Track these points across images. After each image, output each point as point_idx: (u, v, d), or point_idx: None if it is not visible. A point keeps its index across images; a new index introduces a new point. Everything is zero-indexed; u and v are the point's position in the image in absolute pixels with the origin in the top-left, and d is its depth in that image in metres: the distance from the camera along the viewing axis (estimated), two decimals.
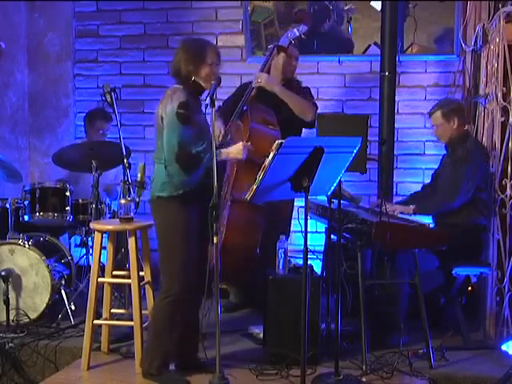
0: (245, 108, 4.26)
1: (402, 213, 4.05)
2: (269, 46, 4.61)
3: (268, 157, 2.93)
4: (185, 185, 3.24)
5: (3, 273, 4.11)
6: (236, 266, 3.95)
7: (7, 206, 4.38)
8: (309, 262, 3.11)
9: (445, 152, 4.29)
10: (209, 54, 3.29)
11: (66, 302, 4.24)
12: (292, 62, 4.47)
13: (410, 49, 5.15)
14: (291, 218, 4.47)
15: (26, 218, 4.42)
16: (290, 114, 4.30)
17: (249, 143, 3.41)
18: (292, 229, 4.48)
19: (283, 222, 4.42)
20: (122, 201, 3.66)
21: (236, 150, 3.35)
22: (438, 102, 4.24)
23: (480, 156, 4.04)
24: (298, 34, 4.35)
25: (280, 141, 2.89)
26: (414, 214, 4.08)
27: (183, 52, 3.29)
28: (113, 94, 3.93)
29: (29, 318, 4.15)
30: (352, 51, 5.22)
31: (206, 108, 3.21)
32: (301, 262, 3.23)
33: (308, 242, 3.03)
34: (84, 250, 4.54)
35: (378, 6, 4.92)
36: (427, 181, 4.56)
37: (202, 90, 3.34)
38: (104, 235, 3.67)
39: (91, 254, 4.32)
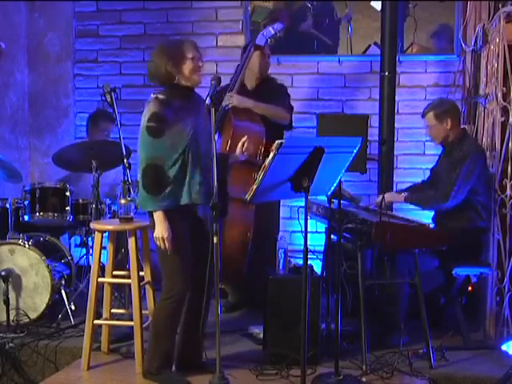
0: (226, 108, 4.26)
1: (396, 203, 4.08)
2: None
3: (268, 156, 2.93)
4: (144, 204, 3.21)
5: (3, 273, 4.11)
6: (228, 263, 3.94)
7: (7, 206, 4.38)
8: (309, 262, 3.11)
9: (441, 150, 4.30)
10: (187, 49, 3.22)
11: (66, 302, 4.24)
12: (267, 59, 4.46)
13: (410, 49, 5.16)
14: (279, 216, 4.53)
15: (26, 218, 4.41)
16: None
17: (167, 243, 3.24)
18: (292, 229, 4.49)
19: (272, 220, 4.45)
20: (122, 201, 3.66)
21: (158, 232, 3.22)
22: (431, 103, 4.21)
23: (476, 158, 4.01)
24: (273, 32, 4.34)
25: (280, 141, 2.89)
26: (405, 201, 4.12)
27: (160, 54, 3.23)
28: (113, 94, 3.93)
29: (29, 318, 4.14)
30: (329, 52, 5.23)
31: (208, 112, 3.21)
32: (301, 262, 3.23)
33: (308, 242, 3.04)
34: (84, 250, 4.55)
35: (378, 5, 4.93)
36: None
37: (190, 90, 3.30)
38: (104, 235, 3.67)
39: (91, 254, 4.32)
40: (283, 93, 4.50)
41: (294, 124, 5.11)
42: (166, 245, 3.20)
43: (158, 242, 3.22)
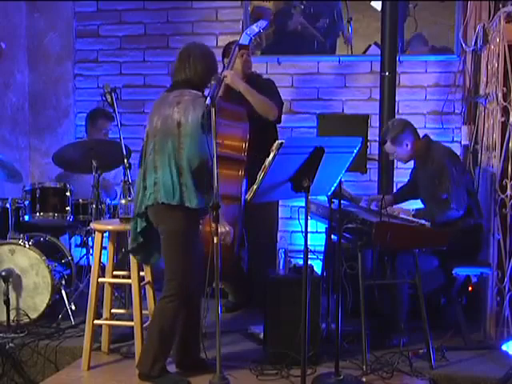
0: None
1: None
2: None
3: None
4: (198, 201, 3.18)
5: (3, 273, 4.11)
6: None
7: (7, 205, 4.38)
8: (309, 262, 3.11)
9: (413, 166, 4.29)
10: (217, 63, 3.39)
11: (67, 302, 4.24)
12: (247, 57, 4.41)
13: None
14: (278, 216, 4.53)
15: (26, 218, 4.42)
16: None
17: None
18: (292, 229, 4.49)
19: (271, 220, 4.45)
20: (122, 201, 3.66)
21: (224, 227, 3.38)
22: (384, 131, 4.15)
23: (451, 162, 3.97)
24: (257, 29, 4.29)
25: (281, 141, 2.89)
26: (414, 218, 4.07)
27: (205, 62, 3.31)
28: (113, 94, 3.93)
29: (29, 318, 4.14)
30: (318, 52, 5.26)
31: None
32: (301, 262, 3.23)
33: (308, 242, 3.04)
34: (84, 250, 4.55)
35: (378, 5, 4.93)
36: None
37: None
38: (104, 235, 3.67)
39: (91, 254, 4.32)
40: (272, 89, 4.45)
41: (294, 124, 5.14)
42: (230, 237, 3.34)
43: (224, 237, 3.34)
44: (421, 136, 4.12)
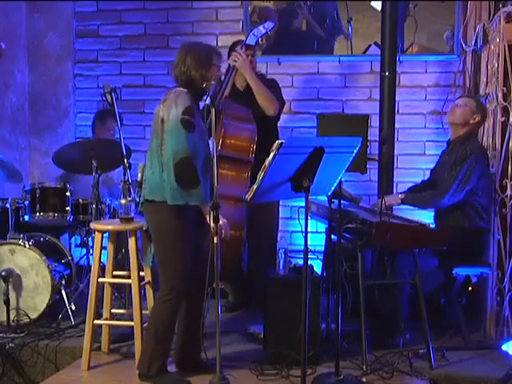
0: (219, 108, 4.25)
1: (394, 205, 4.11)
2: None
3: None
4: (176, 197, 3.17)
5: (3, 273, 4.11)
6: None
7: (7, 206, 4.38)
8: (309, 262, 3.11)
9: (444, 148, 4.29)
10: (215, 57, 3.32)
11: (67, 302, 4.24)
12: (251, 58, 4.40)
13: (410, 49, 5.15)
14: (279, 216, 4.52)
15: (26, 218, 4.42)
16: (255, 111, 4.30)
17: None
18: (292, 229, 4.48)
19: (272, 220, 4.45)
20: (122, 201, 3.66)
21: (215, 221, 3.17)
22: (479, 97, 4.31)
23: (478, 158, 3.99)
24: (264, 31, 4.29)
25: (281, 141, 2.89)
26: (402, 203, 4.11)
27: (192, 58, 3.26)
28: (113, 94, 3.93)
29: (29, 318, 4.15)
30: (318, 52, 5.25)
31: (207, 112, 3.23)
32: (301, 261, 3.23)
33: (308, 242, 3.04)
34: (84, 250, 4.54)
35: (378, 5, 4.93)
36: None
37: (204, 94, 3.34)
38: (104, 235, 3.67)
39: (91, 254, 4.32)
40: (274, 86, 4.45)
41: (294, 124, 5.13)
42: (228, 231, 3.24)
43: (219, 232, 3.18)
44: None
